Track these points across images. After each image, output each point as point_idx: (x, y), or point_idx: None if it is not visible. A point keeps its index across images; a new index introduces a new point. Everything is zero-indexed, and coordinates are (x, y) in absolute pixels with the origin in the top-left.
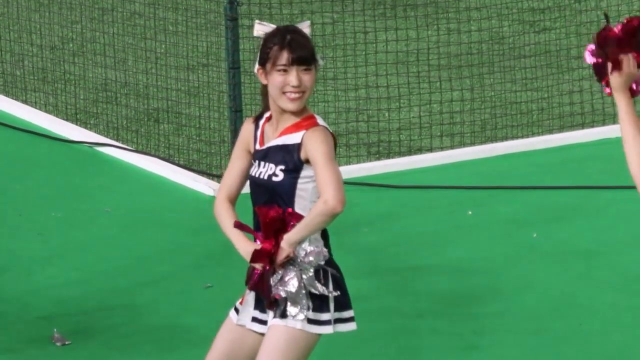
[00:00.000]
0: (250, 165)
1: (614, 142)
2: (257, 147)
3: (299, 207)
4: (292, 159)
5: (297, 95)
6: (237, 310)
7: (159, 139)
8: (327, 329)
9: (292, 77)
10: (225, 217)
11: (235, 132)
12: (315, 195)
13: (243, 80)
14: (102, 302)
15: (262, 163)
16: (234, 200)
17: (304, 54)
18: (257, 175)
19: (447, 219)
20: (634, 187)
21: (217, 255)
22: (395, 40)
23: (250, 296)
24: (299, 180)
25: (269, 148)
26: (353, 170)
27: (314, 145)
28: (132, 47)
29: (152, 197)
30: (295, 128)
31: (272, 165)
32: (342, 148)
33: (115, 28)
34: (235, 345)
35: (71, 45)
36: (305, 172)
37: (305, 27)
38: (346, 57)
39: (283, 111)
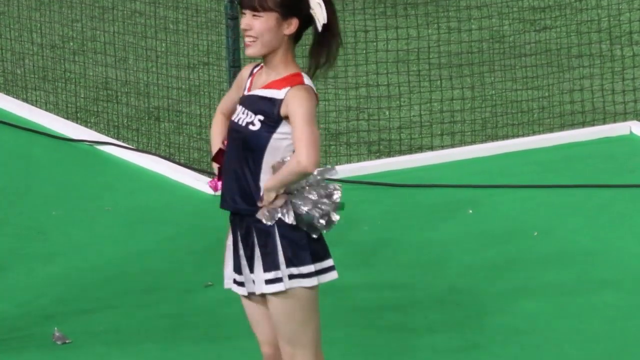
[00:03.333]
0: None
1: (615, 141)
2: (245, 92)
3: (267, 163)
4: (272, 113)
5: (249, 39)
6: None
7: (160, 138)
8: (311, 281)
9: (242, 21)
10: (215, 127)
11: None
12: (288, 153)
13: None
14: (103, 300)
15: (243, 109)
16: (229, 116)
17: None
18: (235, 120)
19: (447, 218)
20: (634, 186)
21: (218, 254)
22: (395, 39)
23: (228, 256)
24: (274, 136)
25: (253, 96)
26: (353, 169)
27: (295, 104)
28: (132, 46)
29: (153, 196)
30: (281, 83)
31: (251, 114)
32: (342, 147)
33: (115, 27)
34: (254, 313)
35: (72, 43)
36: (282, 129)
37: None
38: (346, 55)
39: (268, 61)
